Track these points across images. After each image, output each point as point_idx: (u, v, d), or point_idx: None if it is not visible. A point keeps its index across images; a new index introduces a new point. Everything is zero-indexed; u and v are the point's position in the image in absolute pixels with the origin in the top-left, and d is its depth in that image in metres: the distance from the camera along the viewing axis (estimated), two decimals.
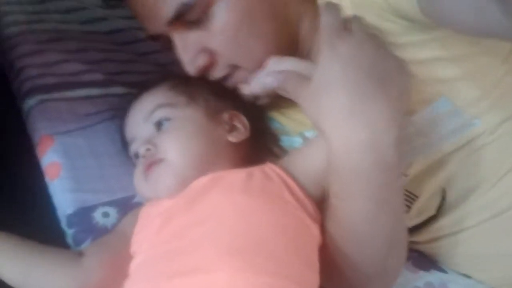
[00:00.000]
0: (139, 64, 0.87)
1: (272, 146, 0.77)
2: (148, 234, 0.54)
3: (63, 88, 0.77)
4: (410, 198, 0.71)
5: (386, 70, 0.54)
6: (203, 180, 0.56)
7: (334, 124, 0.53)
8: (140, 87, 0.69)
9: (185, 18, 0.62)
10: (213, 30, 0.62)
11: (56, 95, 0.76)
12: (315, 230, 0.54)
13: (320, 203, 0.58)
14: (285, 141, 0.76)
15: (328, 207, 0.56)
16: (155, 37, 0.67)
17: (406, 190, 0.71)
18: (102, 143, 0.72)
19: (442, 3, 0.48)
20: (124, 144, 0.67)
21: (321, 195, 0.58)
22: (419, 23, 0.58)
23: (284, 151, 0.76)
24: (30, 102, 0.75)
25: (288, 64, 0.61)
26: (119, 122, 0.68)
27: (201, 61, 0.64)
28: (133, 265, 0.52)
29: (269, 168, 0.57)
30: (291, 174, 0.57)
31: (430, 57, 0.62)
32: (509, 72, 0.65)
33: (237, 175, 0.56)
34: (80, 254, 0.56)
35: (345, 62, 0.53)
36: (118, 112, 0.69)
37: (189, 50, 0.64)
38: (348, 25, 0.56)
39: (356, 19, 0.57)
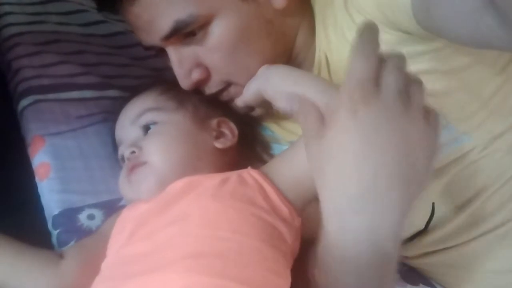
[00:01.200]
0: (135, 68, 0.88)
1: (262, 154, 0.77)
2: (120, 238, 0.54)
3: (57, 90, 0.78)
4: None
5: (412, 159, 0.45)
6: (179, 184, 0.56)
7: (334, 203, 0.47)
8: (132, 91, 0.70)
9: (181, 34, 0.61)
10: (209, 47, 0.62)
11: (50, 96, 0.77)
12: (289, 236, 0.53)
13: (302, 208, 0.58)
14: (276, 149, 0.76)
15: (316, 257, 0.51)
16: (148, 47, 0.67)
17: None
18: (92, 146, 0.73)
19: (438, 14, 0.48)
20: (115, 147, 0.68)
21: (303, 200, 0.57)
22: (415, 35, 0.57)
23: None
24: (25, 102, 0.76)
25: (308, 87, 0.56)
26: (111, 125, 0.69)
27: (196, 75, 0.64)
28: (101, 267, 0.53)
29: (247, 173, 0.58)
30: (270, 179, 0.57)
31: (424, 69, 0.61)
32: (506, 82, 0.65)
33: (212, 180, 0.56)
34: (60, 255, 0.56)
35: (365, 137, 0.45)
36: (110, 115, 0.69)
37: (184, 64, 0.64)
38: (381, 78, 0.47)
39: (396, 65, 0.48)
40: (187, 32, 0.61)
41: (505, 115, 0.65)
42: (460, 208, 0.67)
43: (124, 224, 0.56)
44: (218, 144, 0.63)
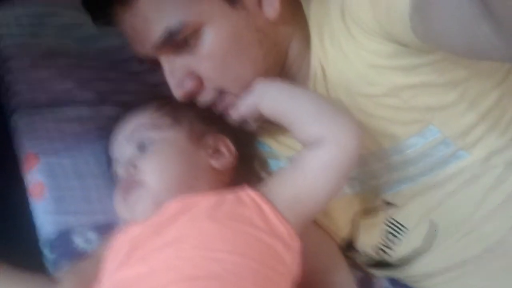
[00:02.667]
0: (131, 83, 0.87)
1: (259, 171, 0.77)
2: (115, 261, 0.54)
3: (52, 105, 0.77)
4: (400, 230, 0.71)
5: None
6: (173, 204, 0.56)
7: None
8: (128, 108, 0.69)
9: (173, 43, 0.62)
10: (200, 55, 0.63)
11: (45, 112, 0.76)
12: (288, 257, 0.53)
13: (301, 229, 0.57)
14: (273, 165, 0.76)
15: None
16: (143, 60, 0.67)
17: (396, 222, 0.71)
18: (88, 164, 0.72)
19: (436, 24, 0.48)
20: (110, 164, 0.66)
21: (302, 220, 0.57)
22: (412, 47, 0.58)
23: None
24: (18, 117, 0.75)
25: (303, 104, 0.60)
26: (106, 142, 0.68)
27: (188, 85, 0.64)
28: None
29: (245, 192, 0.57)
30: (268, 199, 0.56)
31: (421, 82, 0.62)
32: (505, 95, 0.65)
33: (208, 200, 0.55)
34: (55, 281, 0.55)
35: None
36: (106, 132, 0.68)
37: (176, 74, 0.64)
38: None
39: None
40: (179, 41, 0.61)
41: (502, 130, 0.65)
42: (459, 224, 0.67)
43: (118, 247, 0.55)
44: (215, 163, 0.62)
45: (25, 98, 0.77)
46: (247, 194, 0.56)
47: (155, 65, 0.66)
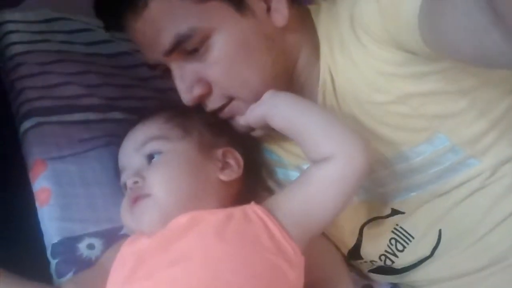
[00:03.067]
0: (139, 89, 0.87)
1: (267, 180, 0.76)
2: (120, 274, 0.53)
3: (60, 112, 0.77)
4: (407, 238, 0.70)
5: None
6: (182, 220, 0.56)
7: None
8: (138, 116, 0.69)
9: (182, 49, 0.62)
10: (210, 61, 0.63)
11: (53, 118, 0.76)
12: (292, 276, 0.53)
13: (306, 245, 0.57)
14: (280, 173, 0.76)
15: None
16: (153, 66, 0.68)
17: (403, 230, 0.70)
18: (95, 171, 0.72)
19: (444, 32, 0.48)
20: (117, 172, 0.66)
21: (307, 236, 0.57)
22: (420, 54, 0.57)
23: (279, 184, 0.76)
24: (27, 124, 0.75)
25: (313, 120, 0.60)
26: (114, 149, 0.68)
27: (197, 90, 0.65)
28: None
29: (251, 209, 0.57)
30: (275, 216, 0.56)
31: (430, 90, 0.61)
32: None
33: (216, 217, 0.55)
34: None
35: None
36: (113, 139, 0.69)
37: (186, 79, 0.65)
38: None
39: None
40: (188, 47, 0.62)
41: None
42: (466, 233, 0.66)
43: (124, 260, 0.55)
44: (224, 177, 0.62)
45: (34, 105, 0.77)
46: (254, 211, 0.56)
47: (165, 72, 0.67)
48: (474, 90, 0.62)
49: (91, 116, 0.79)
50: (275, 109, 0.61)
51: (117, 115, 0.80)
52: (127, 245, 0.57)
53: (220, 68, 0.63)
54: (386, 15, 0.56)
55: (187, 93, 0.65)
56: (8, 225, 0.71)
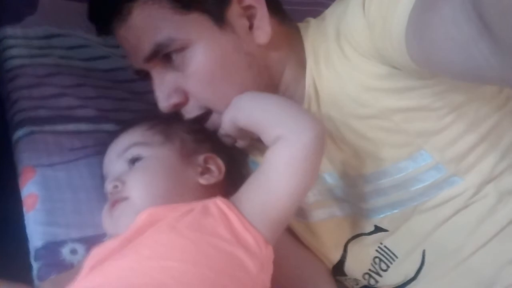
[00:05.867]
0: (133, 102, 0.88)
1: None
2: (81, 275, 0.53)
3: (54, 122, 0.78)
4: (390, 258, 0.68)
5: None
6: (143, 217, 0.55)
7: None
8: (125, 125, 0.71)
9: (161, 57, 0.64)
10: (187, 73, 0.65)
11: (46, 128, 0.77)
12: (252, 265, 0.52)
13: (273, 236, 0.56)
14: None
15: None
16: (138, 71, 0.70)
17: (387, 249, 0.69)
18: (82, 178, 0.72)
19: (432, 44, 0.48)
20: (103, 180, 0.67)
21: (272, 226, 0.56)
22: (405, 70, 0.57)
23: None
24: (20, 133, 0.76)
25: (275, 116, 0.61)
26: (102, 157, 0.69)
27: (173, 99, 0.66)
28: None
29: (213, 202, 0.56)
30: (237, 207, 0.56)
31: (414, 106, 0.61)
32: (503, 121, 0.63)
33: (175, 212, 0.55)
34: None
35: None
36: (104, 148, 0.69)
37: (164, 87, 0.66)
38: None
39: None
40: (166, 55, 0.64)
41: (498, 158, 0.63)
42: (449, 255, 0.64)
43: (88, 261, 0.55)
44: (203, 180, 0.63)
45: (28, 114, 0.78)
46: (215, 204, 0.56)
47: (148, 78, 0.69)
48: (461, 107, 0.61)
49: (83, 126, 0.80)
50: (239, 109, 0.63)
51: (108, 126, 0.81)
52: (97, 248, 0.57)
53: (197, 81, 0.65)
54: (374, 31, 0.56)
55: (163, 101, 0.67)
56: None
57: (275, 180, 0.56)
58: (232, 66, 0.65)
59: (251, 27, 0.66)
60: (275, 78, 0.68)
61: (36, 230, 0.65)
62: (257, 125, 0.60)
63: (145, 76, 0.69)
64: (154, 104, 0.88)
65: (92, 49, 0.93)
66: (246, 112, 0.62)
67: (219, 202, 0.56)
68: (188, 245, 0.51)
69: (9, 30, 0.90)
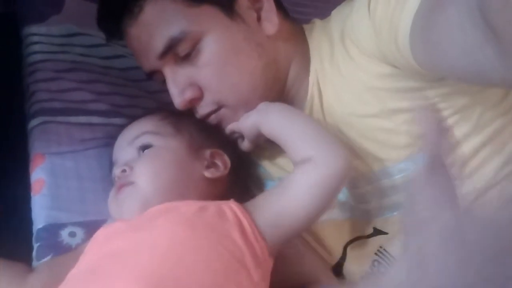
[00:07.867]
0: (146, 100, 0.91)
1: (254, 190, 0.77)
2: (87, 254, 0.55)
3: (67, 113, 0.81)
4: (389, 261, 0.68)
5: None
6: (158, 207, 0.57)
7: None
8: (134, 118, 0.73)
9: (175, 52, 0.65)
10: (200, 65, 0.66)
11: (59, 118, 0.80)
12: (256, 275, 0.53)
13: (279, 249, 0.58)
14: (269, 185, 0.76)
15: None
16: (149, 74, 0.71)
17: (387, 252, 0.68)
18: (89, 168, 0.75)
19: (437, 46, 0.48)
20: (111, 169, 0.69)
21: (280, 240, 0.58)
22: (408, 71, 0.58)
23: None
24: (34, 122, 0.79)
25: (299, 135, 0.62)
26: (112, 150, 0.71)
27: (189, 94, 0.67)
28: (67, 277, 0.53)
29: (228, 205, 0.58)
30: (251, 215, 0.57)
31: (416, 107, 0.60)
32: (506, 127, 0.63)
33: (190, 207, 0.56)
34: (31, 270, 0.57)
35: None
36: (113, 140, 0.72)
37: (178, 83, 0.67)
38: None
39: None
40: (181, 51, 0.65)
41: (502, 163, 0.62)
42: None
43: (95, 240, 0.56)
44: (208, 174, 0.64)
45: (43, 105, 0.81)
46: (230, 207, 0.57)
47: (159, 77, 0.70)
48: (464, 109, 0.61)
49: (95, 119, 0.82)
50: (267, 117, 0.64)
51: (120, 121, 0.83)
52: (101, 229, 0.59)
53: (210, 71, 0.66)
54: (379, 34, 0.57)
55: (178, 97, 0.67)
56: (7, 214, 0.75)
57: (295, 199, 0.57)
58: (244, 55, 0.66)
59: (259, 18, 0.68)
60: (282, 73, 0.70)
61: (40, 213, 0.68)
62: (285, 139, 0.62)
63: (157, 77, 0.70)
64: (165, 103, 0.91)
65: (110, 48, 0.96)
66: (275, 122, 0.63)
67: (234, 206, 0.57)
68: (205, 247, 0.52)
69: (34, 28, 0.94)
